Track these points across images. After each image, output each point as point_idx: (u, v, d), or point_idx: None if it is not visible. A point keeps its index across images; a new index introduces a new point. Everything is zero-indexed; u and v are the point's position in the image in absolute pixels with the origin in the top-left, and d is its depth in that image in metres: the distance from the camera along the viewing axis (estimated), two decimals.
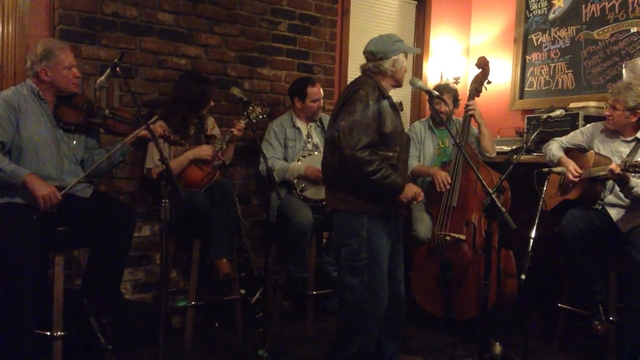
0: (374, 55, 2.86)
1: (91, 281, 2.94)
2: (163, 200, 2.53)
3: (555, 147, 3.67)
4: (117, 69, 2.70)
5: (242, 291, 3.65)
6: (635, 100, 3.29)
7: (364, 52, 2.91)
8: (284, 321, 3.98)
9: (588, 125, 3.69)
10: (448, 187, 3.79)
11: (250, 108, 3.54)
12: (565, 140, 3.69)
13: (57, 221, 2.80)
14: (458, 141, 3.57)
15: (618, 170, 3.04)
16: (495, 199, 2.57)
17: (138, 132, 2.99)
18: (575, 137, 3.66)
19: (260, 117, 3.62)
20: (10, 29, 3.41)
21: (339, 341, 2.88)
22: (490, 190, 2.60)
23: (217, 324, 3.77)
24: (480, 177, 2.71)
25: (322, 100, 3.97)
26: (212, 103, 3.62)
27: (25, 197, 2.76)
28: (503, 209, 2.54)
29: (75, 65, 2.98)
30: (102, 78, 2.77)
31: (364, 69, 2.92)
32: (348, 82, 4.68)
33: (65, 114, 2.95)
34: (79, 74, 3.01)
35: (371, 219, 2.78)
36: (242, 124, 3.53)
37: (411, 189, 2.86)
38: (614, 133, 3.46)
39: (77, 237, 2.89)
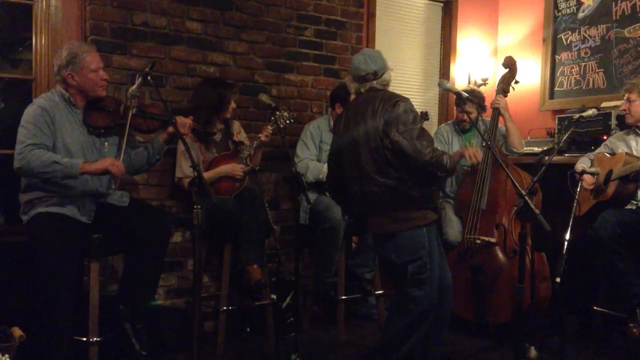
0: (377, 74, 2.86)
1: (128, 288, 2.98)
2: (195, 207, 2.56)
3: (581, 161, 3.69)
4: (149, 77, 2.73)
5: (273, 296, 3.66)
6: None
7: (363, 74, 2.85)
8: (315, 326, 3.99)
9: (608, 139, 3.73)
10: (479, 159, 3.75)
11: (278, 113, 3.55)
12: (592, 154, 3.71)
13: (94, 229, 2.85)
14: (488, 142, 3.57)
15: None
16: (529, 201, 2.54)
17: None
18: (599, 150, 3.68)
19: (288, 121, 3.65)
20: (44, 41, 3.48)
21: (387, 344, 2.84)
22: (523, 192, 2.57)
23: (248, 329, 3.78)
24: (512, 177, 2.68)
25: None
26: (233, 105, 3.63)
27: (67, 208, 2.81)
28: (537, 211, 2.51)
29: (102, 67, 2.97)
30: (134, 87, 2.80)
31: (367, 87, 2.86)
32: None
33: (94, 119, 2.96)
34: (106, 76, 3.00)
35: (429, 228, 2.79)
36: (269, 129, 3.56)
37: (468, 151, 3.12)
38: (635, 131, 3.44)
39: (113, 244, 2.94)
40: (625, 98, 3.44)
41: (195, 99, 3.62)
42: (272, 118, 3.46)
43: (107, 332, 2.91)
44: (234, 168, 3.49)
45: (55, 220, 2.79)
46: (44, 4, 3.45)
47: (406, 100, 2.77)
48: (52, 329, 2.63)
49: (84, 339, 2.84)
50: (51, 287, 2.64)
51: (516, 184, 2.65)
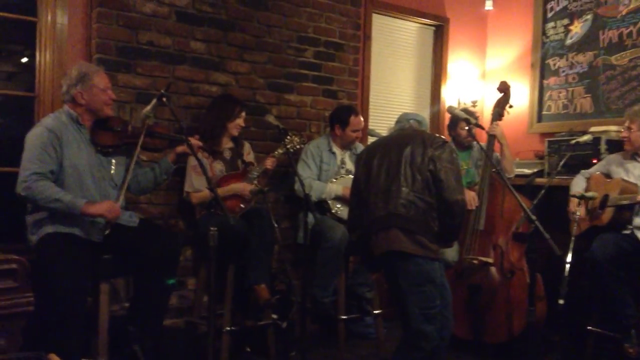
0: (421, 125, 3.13)
1: (137, 309, 2.97)
2: (211, 228, 2.58)
3: (575, 182, 3.80)
4: (164, 99, 2.76)
5: (274, 316, 3.67)
6: None
7: (411, 120, 3.14)
8: (313, 346, 3.98)
9: (605, 158, 3.86)
10: (475, 205, 3.84)
11: (288, 138, 3.61)
12: (588, 172, 3.83)
13: (104, 249, 2.83)
14: (482, 163, 3.67)
15: None
16: (539, 226, 2.62)
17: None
18: (596, 169, 3.80)
19: (298, 147, 3.70)
20: (48, 58, 3.45)
21: None
22: (533, 217, 2.65)
23: (249, 349, 3.77)
24: (522, 203, 2.76)
25: (360, 132, 4.04)
26: (241, 123, 3.67)
27: (76, 227, 2.80)
28: (547, 235, 2.59)
29: (110, 87, 3.03)
30: (149, 108, 2.82)
31: (415, 127, 3.09)
32: (369, 107, 4.83)
33: (102, 138, 2.98)
34: (114, 96, 3.06)
35: (441, 265, 2.85)
36: (274, 159, 3.61)
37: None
38: (633, 156, 3.56)
39: (122, 265, 2.92)
40: (625, 125, 3.54)
41: (208, 109, 3.69)
42: (283, 142, 3.49)
43: (115, 354, 2.88)
44: (244, 187, 3.50)
45: (65, 241, 2.77)
46: (50, 21, 3.43)
47: (452, 146, 2.94)
48: (63, 352, 2.58)
49: None
50: (62, 309, 2.61)
51: (527, 209, 2.73)
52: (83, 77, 2.92)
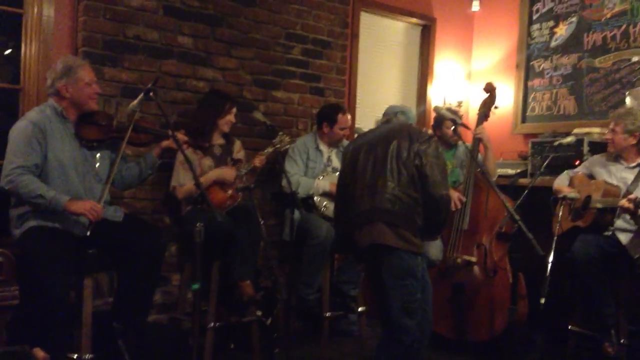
0: (409, 119, 3.16)
1: (122, 305, 2.95)
2: (197, 224, 2.57)
3: (560, 177, 3.83)
4: (151, 93, 2.75)
5: (259, 312, 3.67)
6: (634, 124, 3.50)
7: (398, 113, 3.14)
8: (296, 342, 3.98)
9: (588, 159, 3.89)
10: (460, 205, 3.88)
11: (278, 137, 3.63)
12: (572, 172, 3.86)
13: (88, 244, 2.82)
14: (468, 165, 3.70)
15: (628, 206, 3.21)
16: (523, 226, 2.65)
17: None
18: (579, 170, 3.84)
19: (287, 146, 3.74)
20: (33, 50, 3.42)
21: None
22: (517, 217, 2.68)
23: (233, 346, 3.77)
24: (506, 203, 2.79)
25: (348, 130, 4.06)
26: (232, 119, 3.66)
27: (60, 222, 2.78)
28: (530, 235, 2.62)
29: (95, 81, 3.01)
30: (135, 102, 2.81)
31: (402, 120, 3.11)
32: (356, 105, 4.84)
33: (86, 132, 2.96)
34: (99, 90, 3.04)
35: (422, 259, 2.87)
36: (263, 157, 3.64)
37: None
38: (616, 158, 3.61)
39: (106, 260, 2.91)
40: (610, 128, 3.60)
41: (198, 105, 3.69)
42: (272, 142, 3.50)
43: (99, 349, 2.87)
44: (225, 171, 3.50)
45: (49, 235, 2.75)
46: (36, 13, 3.39)
47: (437, 140, 2.93)
48: (48, 346, 2.57)
49: (76, 355, 2.79)
50: (46, 303, 2.59)
51: (511, 210, 2.76)
52: (68, 70, 2.89)
